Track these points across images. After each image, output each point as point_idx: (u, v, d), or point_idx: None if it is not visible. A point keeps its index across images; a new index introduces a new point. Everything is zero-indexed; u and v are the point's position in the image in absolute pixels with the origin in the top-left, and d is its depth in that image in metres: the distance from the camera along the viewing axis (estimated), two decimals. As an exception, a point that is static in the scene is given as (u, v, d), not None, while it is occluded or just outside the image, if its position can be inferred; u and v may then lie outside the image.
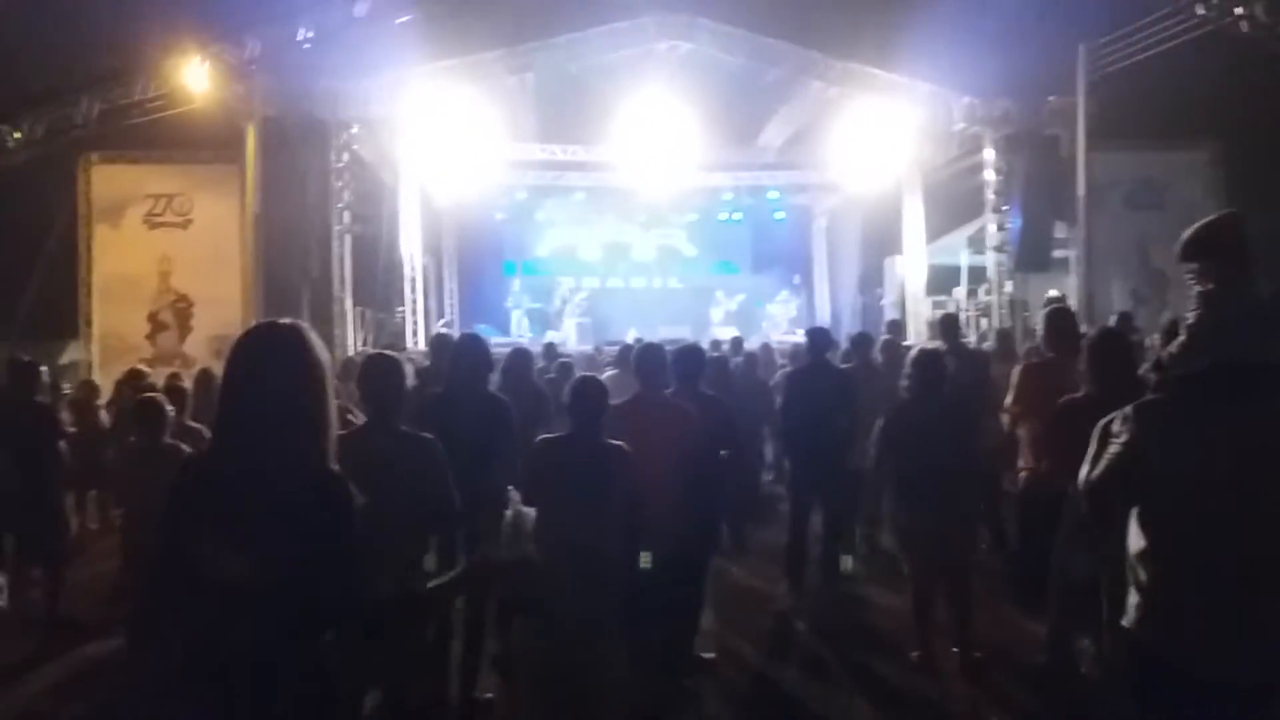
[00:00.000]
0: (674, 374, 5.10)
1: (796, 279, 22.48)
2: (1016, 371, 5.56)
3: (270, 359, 2.15)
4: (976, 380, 6.64)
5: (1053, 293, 15.72)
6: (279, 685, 1.99)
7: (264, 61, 13.41)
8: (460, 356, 4.83)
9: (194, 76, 13.04)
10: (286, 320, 2.25)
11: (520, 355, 6.50)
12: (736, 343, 11.53)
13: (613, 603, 3.63)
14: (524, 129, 18.35)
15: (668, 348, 5.31)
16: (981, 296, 17.08)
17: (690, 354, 5.37)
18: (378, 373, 3.85)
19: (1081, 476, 2.65)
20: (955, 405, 5.14)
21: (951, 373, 5.28)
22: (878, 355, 7.96)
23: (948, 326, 9.04)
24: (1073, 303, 13.93)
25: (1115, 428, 2.57)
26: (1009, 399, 5.47)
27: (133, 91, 13.44)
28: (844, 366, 7.48)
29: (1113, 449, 2.53)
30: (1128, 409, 2.56)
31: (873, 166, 18.88)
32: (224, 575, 1.97)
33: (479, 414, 4.51)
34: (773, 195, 21.74)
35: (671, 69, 17.00)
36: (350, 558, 2.04)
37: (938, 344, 7.69)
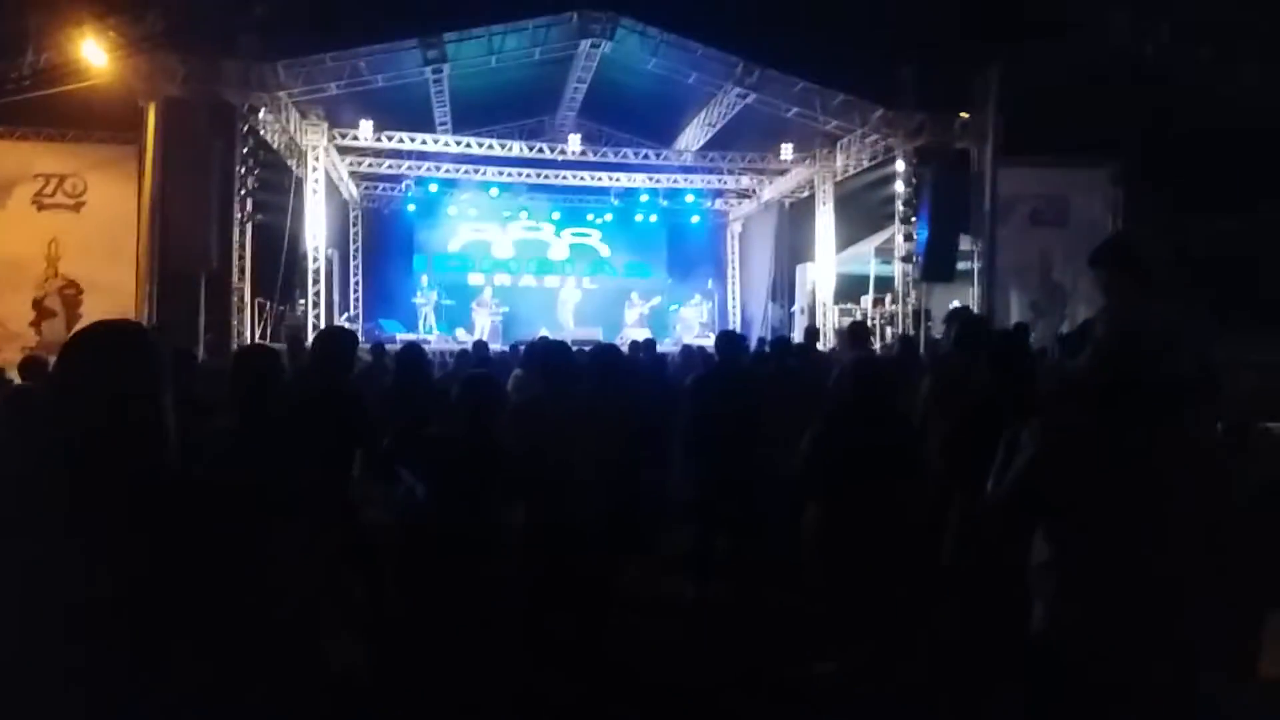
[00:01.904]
0: (589, 374, 4.99)
1: (710, 283, 22.84)
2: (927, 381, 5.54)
3: (112, 361, 2.02)
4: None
5: (955, 303, 16.19)
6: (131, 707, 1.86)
7: (166, 36, 12.96)
8: (317, 350, 4.73)
9: (91, 50, 12.45)
10: (125, 319, 2.14)
11: (413, 350, 6.36)
12: (649, 344, 11.39)
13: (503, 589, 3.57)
14: (437, 120, 18.30)
15: (582, 349, 5.22)
16: (887, 305, 17.43)
17: (604, 354, 5.26)
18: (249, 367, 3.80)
19: (988, 490, 2.68)
20: (901, 423, 4.97)
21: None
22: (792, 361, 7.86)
23: (857, 334, 9.23)
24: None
25: (1022, 440, 2.59)
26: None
27: (23, 64, 12.74)
28: (757, 372, 7.44)
29: (1019, 463, 2.55)
30: (1034, 422, 2.58)
31: (787, 174, 19.56)
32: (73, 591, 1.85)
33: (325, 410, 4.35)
34: (689, 199, 22.19)
35: (592, 68, 17.14)
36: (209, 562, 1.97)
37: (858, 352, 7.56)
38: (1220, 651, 2.66)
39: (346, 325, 17.40)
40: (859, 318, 16.76)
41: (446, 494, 3.22)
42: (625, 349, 10.17)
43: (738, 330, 16.64)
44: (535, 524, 4.13)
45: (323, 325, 15.95)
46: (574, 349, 5.28)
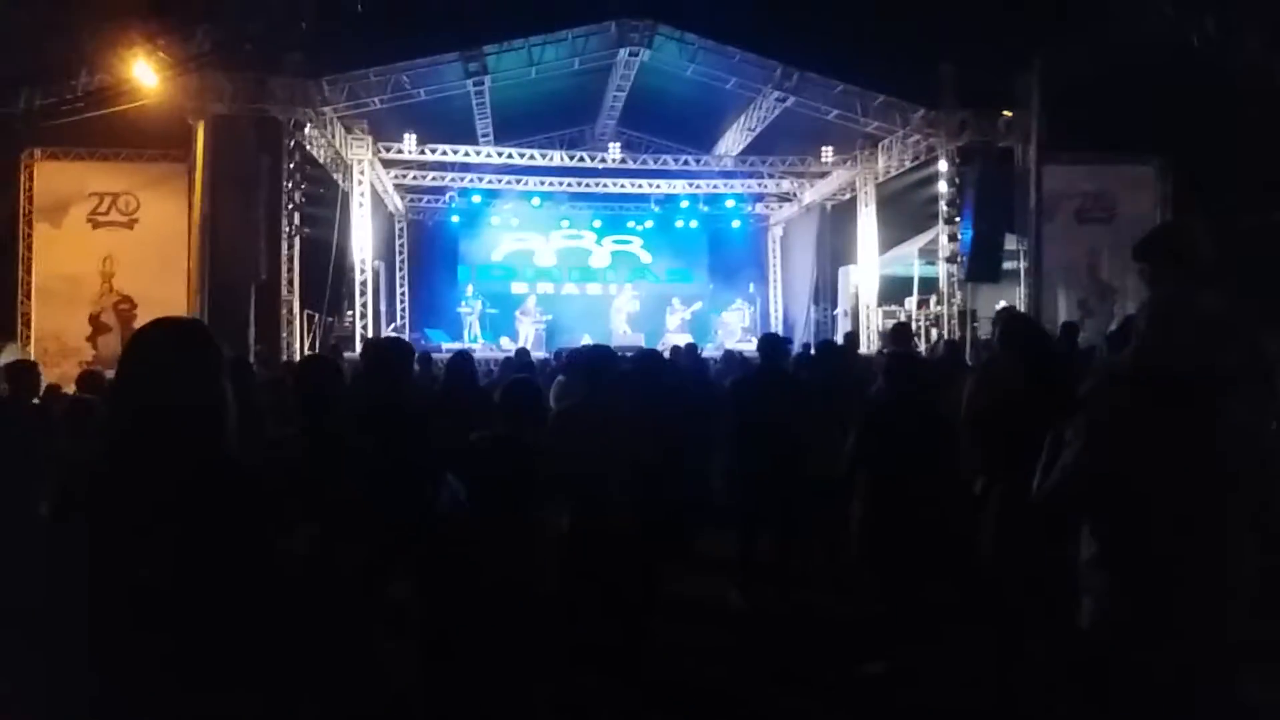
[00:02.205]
0: (632, 379, 5.01)
1: (751, 288, 22.71)
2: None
3: (174, 354, 2.10)
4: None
5: (1002, 304, 15.96)
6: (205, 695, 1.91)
7: (214, 56, 13.17)
8: (371, 359, 4.82)
9: (141, 70, 12.71)
10: (184, 316, 2.21)
11: (462, 359, 6.46)
12: (690, 349, 11.32)
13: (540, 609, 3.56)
14: (479, 131, 18.46)
15: (625, 355, 5.23)
16: (932, 307, 17.25)
17: (646, 359, 5.27)
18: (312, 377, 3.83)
19: (1035, 486, 2.67)
20: (933, 408, 5.05)
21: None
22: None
23: (899, 335, 9.13)
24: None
25: (1068, 435, 2.58)
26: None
27: (76, 85, 13.08)
28: (801, 374, 7.38)
29: (1066, 457, 2.55)
30: (1080, 417, 2.57)
31: (828, 176, 19.37)
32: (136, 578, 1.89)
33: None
34: (729, 204, 22.10)
35: (630, 76, 17.14)
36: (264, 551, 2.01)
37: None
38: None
39: (394, 334, 17.50)
40: (903, 320, 16.48)
41: (486, 497, 3.25)
42: (667, 354, 10.25)
43: (780, 334, 16.61)
44: (578, 528, 4.16)
45: (370, 335, 16.05)
46: (618, 355, 5.28)
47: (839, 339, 16.96)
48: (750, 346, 18.01)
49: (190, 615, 1.91)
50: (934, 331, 16.94)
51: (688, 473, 5.73)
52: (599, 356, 4.91)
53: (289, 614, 2.09)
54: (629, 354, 7.97)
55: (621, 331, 20.61)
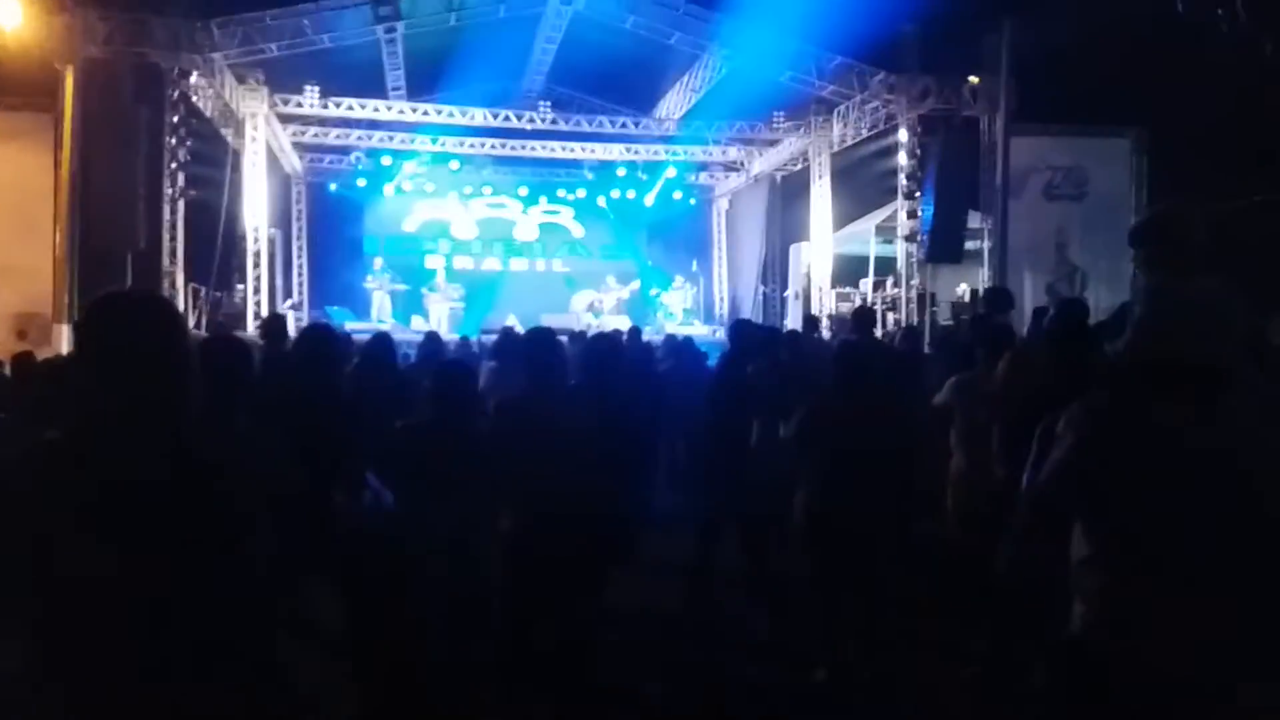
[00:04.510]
0: (582, 366, 4.96)
1: (694, 265, 22.80)
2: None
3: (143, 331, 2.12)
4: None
5: (962, 286, 16.81)
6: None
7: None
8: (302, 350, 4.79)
9: (3, 7, 12.26)
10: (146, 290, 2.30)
11: (381, 345, 6.43)
12: (634, 334, 11.50)
13: (485, 602, 3.56)
14: (390, 85, 18.22)
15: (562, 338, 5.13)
16: (889, 289, 17.40)
17: (603, 344, 5.26)
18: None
19: (1024, 482, 2.73)
20: (891, 412, 5.10)
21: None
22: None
23: (862, 320, 9.19)
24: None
25: (1059, 429, 2.60)
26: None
27: (-77, 23, 12.50)
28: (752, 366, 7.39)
29: (1057, 452, 2.58)
30: (1072, 408, 2.61)
31: (779, 145, 19.50)
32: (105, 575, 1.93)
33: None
34: (671, 173, 21.97)
35: (563, 27, 16.99)
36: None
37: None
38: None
39: (290, 314, 17.27)
40: (859, 302, 16.68)
41: (417, 496, 3.18)
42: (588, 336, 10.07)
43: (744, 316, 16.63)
44: (520, 530, 4.11)
45: (264, 313, 15.83)
46: (559, 339, 5.20)
47: (792, 321, 17.78)
48: (695, 330, 18.67)
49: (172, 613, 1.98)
50: (890, 316, 17.11)
51: (639, 469, 5.70)
52: (540, 340, 4.83)
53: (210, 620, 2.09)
54: (563, 338, 8.17)
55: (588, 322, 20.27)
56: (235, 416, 3.62)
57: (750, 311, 21.01)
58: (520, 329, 9.91)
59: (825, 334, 15.32)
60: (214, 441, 2.19)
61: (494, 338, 10.50)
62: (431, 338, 9.71)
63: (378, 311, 20.24)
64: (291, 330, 8.95)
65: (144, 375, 2.05)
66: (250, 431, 3.39)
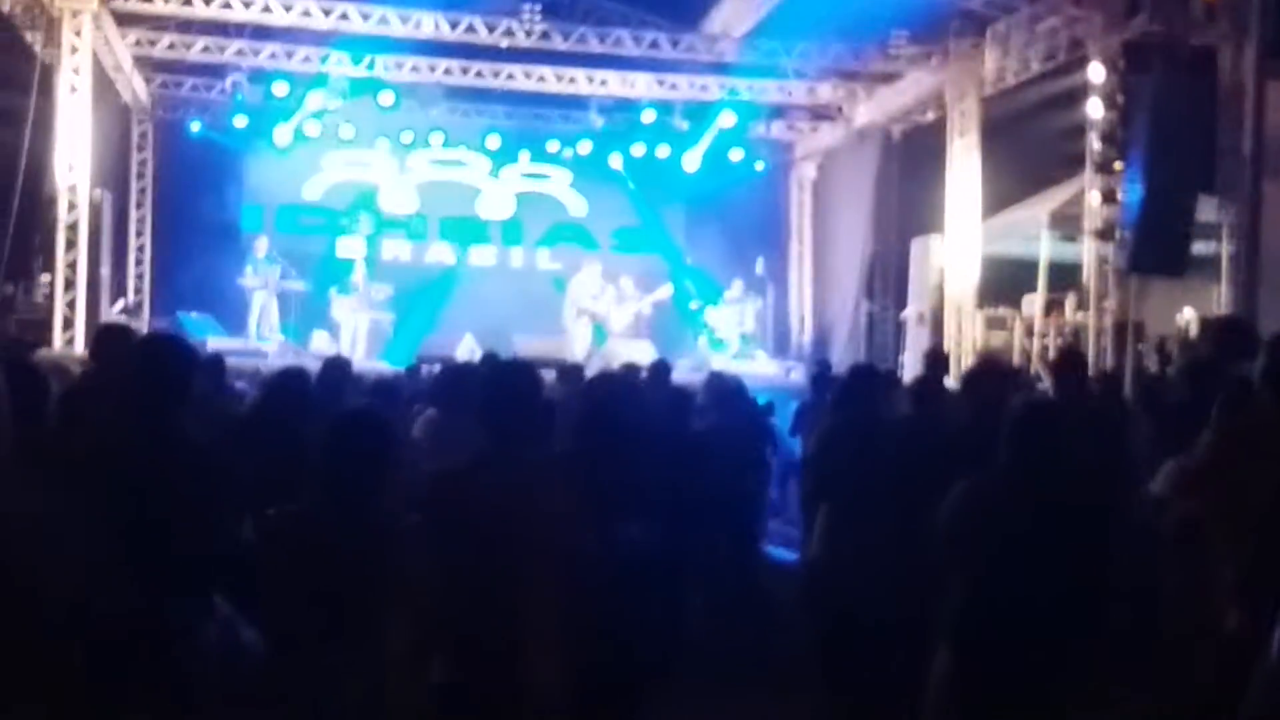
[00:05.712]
0: (578, 423, 5.15)
1: (760, 266, 19.70)
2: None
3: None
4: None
5: (1187, 310, 14.79)
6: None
7: None
8: (137, 373, 4.39)
9: None
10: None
11: (291, 379, 6.51)
12: (659, 372, 10.08)
13: None
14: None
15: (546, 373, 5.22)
16: (1069, 314, 15.25)
17: (609, 386, 5.93)
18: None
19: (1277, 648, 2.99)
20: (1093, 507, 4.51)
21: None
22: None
23: (1067, 371, 7.91)
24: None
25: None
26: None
27: None
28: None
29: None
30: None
31: (898, 81, 17.96)
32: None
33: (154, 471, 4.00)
34: (726, 121, 18.47)
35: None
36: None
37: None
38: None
39: (123, 320, 15.26)
40: (1018, 329, 15.32)
41: (297, 636, 3.16)
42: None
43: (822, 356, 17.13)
44: (451, 692, 3.69)
45: (80, 318, 14.58)
46: (538, 376, 4.60)
47: (910, 364, 16.70)
48: (755, 368, 17.47)
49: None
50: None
51: (659, 595, 5.34)
52: (509, 378, 4.39)
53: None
54: (550, 374, 8.01)
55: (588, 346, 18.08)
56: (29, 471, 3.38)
57: (848, 340, 18.78)
58: (478, 357, 10.67)
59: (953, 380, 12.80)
60: None
61: (435, 370, 10.38)
62: (334, 366, 8.90)
63: (259, 322, 17.33)
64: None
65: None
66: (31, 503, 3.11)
